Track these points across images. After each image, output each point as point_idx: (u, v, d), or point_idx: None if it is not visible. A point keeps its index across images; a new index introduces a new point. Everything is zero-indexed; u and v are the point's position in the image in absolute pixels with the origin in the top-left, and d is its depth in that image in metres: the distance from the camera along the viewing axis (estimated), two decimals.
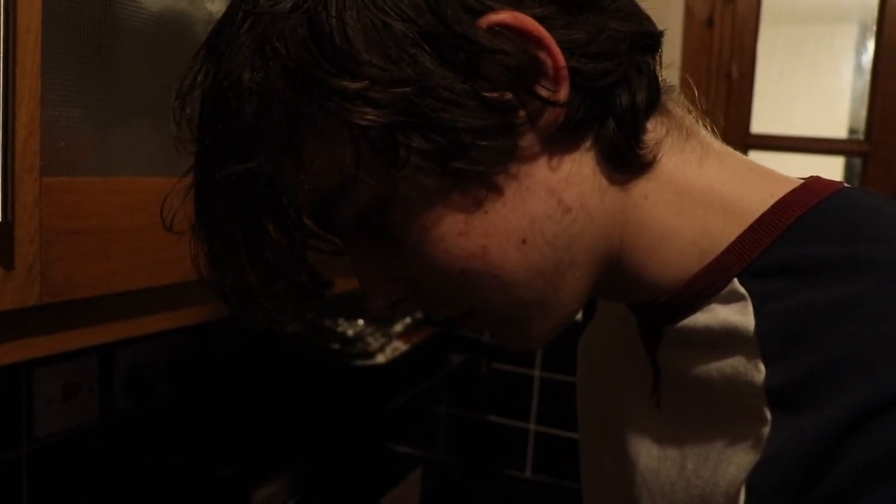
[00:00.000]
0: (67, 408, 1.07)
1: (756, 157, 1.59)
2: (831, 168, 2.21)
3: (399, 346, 1.30)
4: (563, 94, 0.44)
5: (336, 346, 1.23)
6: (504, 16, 0.42)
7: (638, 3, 0.49)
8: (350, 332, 1.24)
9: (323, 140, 0.44)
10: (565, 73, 0.43)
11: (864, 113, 1.60)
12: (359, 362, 1.22)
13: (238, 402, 1.28)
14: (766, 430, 0.42)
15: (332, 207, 0.47)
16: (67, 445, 1.09)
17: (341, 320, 1.26)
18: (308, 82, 0.42)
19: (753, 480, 0.42)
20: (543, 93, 0.44)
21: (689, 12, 1.56)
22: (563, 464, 1.72)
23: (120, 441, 1.17)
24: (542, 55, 0.43)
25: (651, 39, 0.48)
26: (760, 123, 1.66)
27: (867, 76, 1.62)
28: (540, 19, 0.43)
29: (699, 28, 1.57)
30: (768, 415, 0.42)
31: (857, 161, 1.68)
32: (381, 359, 1.25)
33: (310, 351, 1.23)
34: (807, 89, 2.64)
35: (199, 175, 0.48)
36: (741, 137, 1.59)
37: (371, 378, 1.22)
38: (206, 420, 1.29)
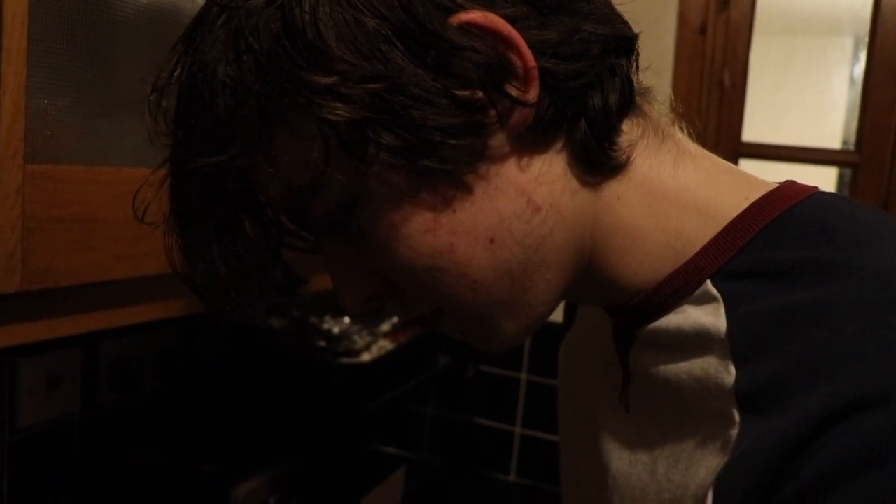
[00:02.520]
0: (50, 398, 1.07)
1: (747, 165, 1.60)
2: (823, 179, 2.22)
3: (385, 345, 1.30)
4: (533, 94, 0.44)
5: (322, 343, 1.23)
6: (474, 15, 0.43)
7: (616, 7, 0.49)
8: (336, 330, 1.24)
9: (294, 135, 0.44)
10: (535, 73, 0.44)
11: (856, 125, 1.61)
12: (344, 360, 1.22)
13: (222, 398, 1.28)
14: (735, 432, 0.42)
15: (303, 203, 0.47)
16: (50, 436, 1.09)
17: (327, 318, 1.26)
18: (280, 76, 0.42)
19: (720, 484, 0.42)
20: (513, 92, 0.44)
21: (682, 19, 1.57)
22: (548, 468, 1.72)
23: (102, 433, 1.16)
24: (512, 55, 0.43)
25: (626, 42, 0.48)
26: (752, 132, 1.67)
27: (860, 88, 1.63)
28: (512, 20, 0.43)
29: (692, 35, 1.58)
30: (737, 417, 0.42)
31: (848, 172, 1.69)
32: (366, 357, 1.25)
33: (295, 348, 1.23)
34: (799, 100, 2.65)
35: (173, 167, 0.48)
36: (732, 146, 1.59)
37: (356, 376, 1.22)
38: (190, 415, 1.28)
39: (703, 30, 1.57)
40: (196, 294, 0.50)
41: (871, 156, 1.56)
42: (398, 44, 0.42)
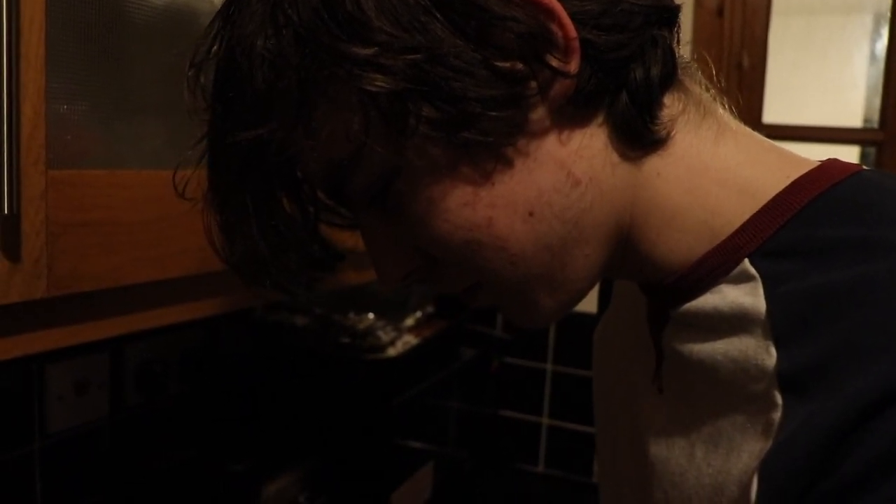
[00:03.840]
0: (79, 404, 1.08)
1: None
2: (846, 158, 2.18)
3: (410, 340, 1.29)
4: (574, 65, 0.43)
5: (346, 340, 1.23)
6: None
7: None
8: (360, 326, 1.24)
9: (333, 107, 0.44)
10: (576, 44, 0.43)
11: (878, 102, 1.58)
12: (369, 356, 1.22)
13: (248, 397, 1.28)
14: (777, 415, 0.41)
15: (342, 177, 0.47)
16: (79, 441, 1.09)
17: (351, 314, 1.26)
18: (319, 48, 0.42)
19: (765, 469, 0.41)
20: (554, 63, 0.43)
21: (699, 2, 1.55)
22: (576, 458, 1.72)
23: (131, 437, 1.17)
24: (553, 26, 0.43)
25: (668, 13, 0.47)
26: (773, 114, 1.64)
27: (881, 65, 1.60)
28: None
29: (709, 18, 1.56)
30: (779, 399, 0.41)
31: (872, 151, 1.66)
32: (391, 352, 1.24)
33: (320, 345, 1.23)
34: (819, 79, 2.61)
35: (211, 142, 0.48)
36: (753, 128, 1.57)
37: (381, 372, 1.22)
38: (217, 415, 1.29)
39: (720, 12, 1.55)
40: (234, 271, 0.50)
41: (894, 133, 1.53)
42: (438, 14, 0.41)
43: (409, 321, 1.32)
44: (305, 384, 1.24)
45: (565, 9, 0.43)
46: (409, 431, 1.35)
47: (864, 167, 0.47)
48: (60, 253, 0.63)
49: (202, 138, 0.48)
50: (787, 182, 0.46)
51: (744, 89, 1.58)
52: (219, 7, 0.48)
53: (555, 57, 0.43)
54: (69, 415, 1.07)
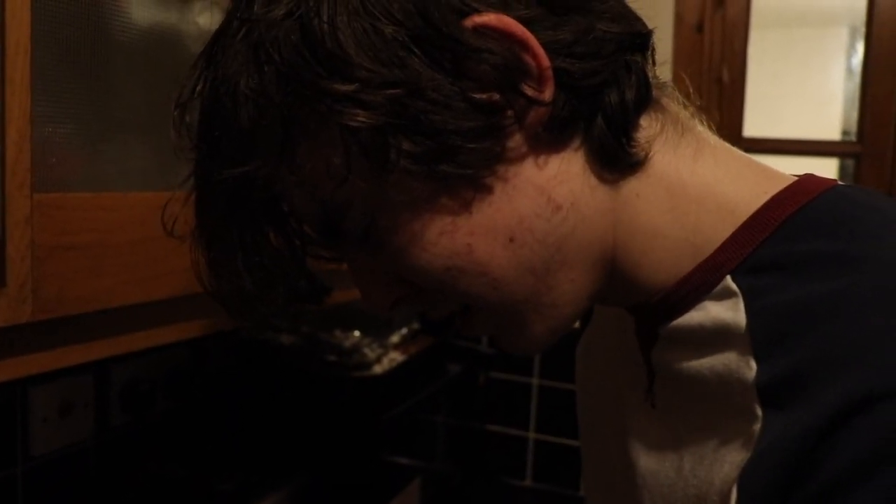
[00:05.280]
0: (63, 425, 1.07)
1: None
2: (825, 170, 2.21)
3: (396, 357, 1.29)
4: (549, 93, 0.44)
5: (332, 357, 1.23)
6: (489, 17, 0.43)
7: (628, 4, 0.49)
8: (346, 344, 1.23)
9: (316, 143, 0.45)
10: (549, 73, 0.44)
11: (855, 115, 1.61)
12: (355, 374, 1.22)
13: (236, 416, 1.28)
14: (757, 427, 0.42)
15: (326, 213, 0.48)
16: (64, 463, 1.08)
17: (337, 332, 1.26)
18: (301, 86, 0.43)
19: (744, 479, 0.42)
20: (529, 92, 0.44)
21: (678, 18, 1.57)
22: (564, 471, 1.72)
23: (117, 457, 1.16)
24: (526, 56, 0.44)
25: (640, 39, 0.48)
26: (754, 127, 1.66)
27: (857, 78, 1.63)
28: (526, 21, 0.44)
29: (689, 33, 1.58)
30: (759, 412, 0.42)
31: (851, 163, 1.68)
32: (377, 370, 1.24)
33: (306, 363, 1.23)
34: (799, 92, 2.65)
35: (198, 181, 0.49)
36: (733, 141, 1.58)
37: (368, 389, 1.22)
38: (204, 434, 1.28)
39: (699, 28, 1.57)
40: (223, 306, 0.51)
41: (872, 146, 1.55)
42: (416, 49, 0.42)
43: (395, 338, 1.32)
44: (292, 402, 1.24)
45: (538, 39, 0.44)
46: (397, 447, 1.35)
47: (839, 182, 0.48)
48: (46, 277, 0.63)
49: (189, 177, 0.49)
50: (766, 198, 0.46)
51: (724, 103, 1.60)
52: (204, 29, 0.48)
53: (529, 86, 0.44)
54: (53, 437, 1.06)
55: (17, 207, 0.60)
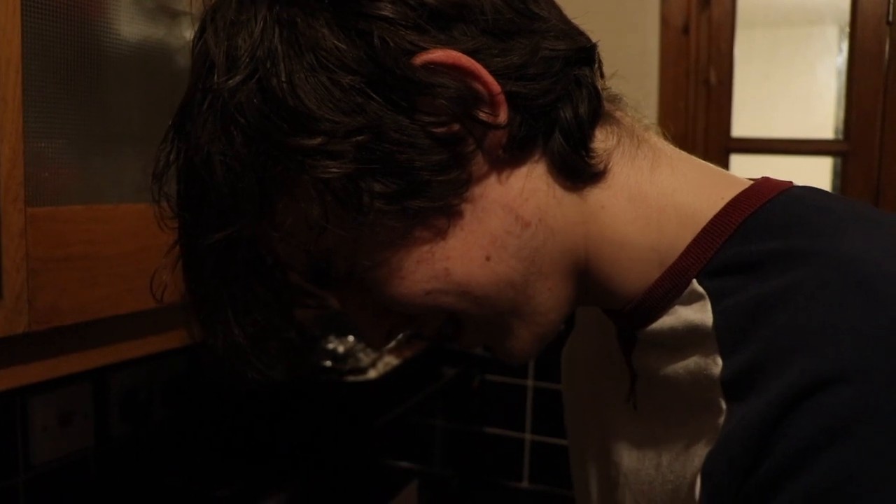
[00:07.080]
0: (64, 435, 1.08)
1: (738, 161, 1.61)
2: (820, 168, 2.23)
3: (391, 361, 1.31)
4: (503, 116, 0.46)
5: (327, 363, 1.24)
6: (436, 54, 0.45)
7: (572, 20, 0.51)
8: (341, 349, 1.25)
9: (292, 198, 0.46)
10: (501, 97, 0.46)
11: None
12: (351, 378, 1.23)
13: (232, 422, 1.29)
14: (722, 420, 0.44)
15: (312, 260, 0.49)
16: (64, 472, 1.10)
17: (331, 337, 1.27)
18: (269, 146, 0.44)
19: (707, 468, 0.44)
20: (484, 117, 0.46)
21: (664, 21, 1.58)
22: (561, 472, 1.71)
23: (116, 465, 1.17)
24: (477, 85, 0.46)
25: (585, 53, 0.50)
26: (743, 127, 1.68)
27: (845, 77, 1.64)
28: (472, 52, 0.46)
29: (675, 36, 1.59)
30: (723, 405, 0.44)
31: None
32: (372, 374, 1.26)
33: (301, 369, 1.24)
34: (787, 91, 2.66)
35: (184, 248, 0.51)
36: (722, 142, 1.61)
37: (363, 394, 1.23)
38: (202, 441, 1.29)
39: (685, 29, 1.59)
40: (220, 361, 0.52)
41: (859, 144, 1.57)
42: (373, 94, 0.44)
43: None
44: (289, 407, 1.25)
45: (487, 66, 0.46)
46: (394, 451, 1.36)
47: (794, 184, 0.50)
48: (41, 288, 0.64)
49: (174, 244, 0.51)
50: (723, 203, 0.48)
51: (712, 105, 1.61)
52: (189, 43, 0.50)
53: (484, 112, 0.46)
54: (53, 446, 1.07)
55: (12, 221, 0.61)
